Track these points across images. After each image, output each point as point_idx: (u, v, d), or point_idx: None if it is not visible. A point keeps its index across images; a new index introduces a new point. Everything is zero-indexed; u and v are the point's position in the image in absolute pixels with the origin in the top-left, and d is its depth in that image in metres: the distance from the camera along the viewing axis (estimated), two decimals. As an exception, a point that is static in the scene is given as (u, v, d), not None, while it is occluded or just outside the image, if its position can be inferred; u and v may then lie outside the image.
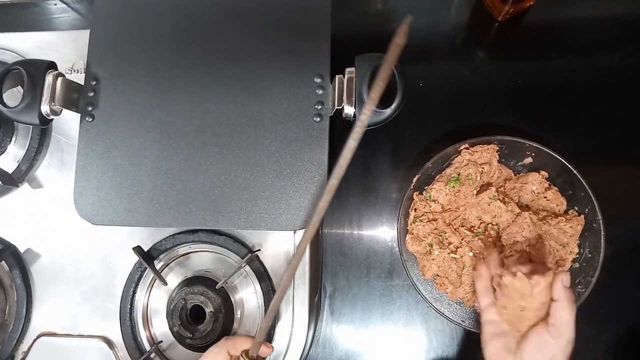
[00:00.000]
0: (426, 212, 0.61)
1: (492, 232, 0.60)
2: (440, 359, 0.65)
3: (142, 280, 0.63)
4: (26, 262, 0.65)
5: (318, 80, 0.53)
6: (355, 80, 0.49)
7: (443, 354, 0.65)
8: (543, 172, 0.60)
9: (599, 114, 0.66)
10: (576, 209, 0.59)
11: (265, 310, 0.60)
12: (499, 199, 0.59)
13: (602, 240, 0.55)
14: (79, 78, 0.58)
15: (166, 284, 0.63)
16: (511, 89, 0.68)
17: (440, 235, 0.60)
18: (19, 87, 0.53)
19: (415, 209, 0.61)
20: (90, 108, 0.55)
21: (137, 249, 0.60)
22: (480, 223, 0.61)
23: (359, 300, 0.67)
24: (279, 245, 0.62)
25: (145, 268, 0.62)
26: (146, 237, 0.63)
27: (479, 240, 0.59)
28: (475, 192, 0.60)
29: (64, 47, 0.68)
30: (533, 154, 0.60)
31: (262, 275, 0.60)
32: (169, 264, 0.64)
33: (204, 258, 0.64)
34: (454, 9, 0.71)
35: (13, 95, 0.54)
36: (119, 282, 0.63)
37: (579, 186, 0.57)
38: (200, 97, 0.54)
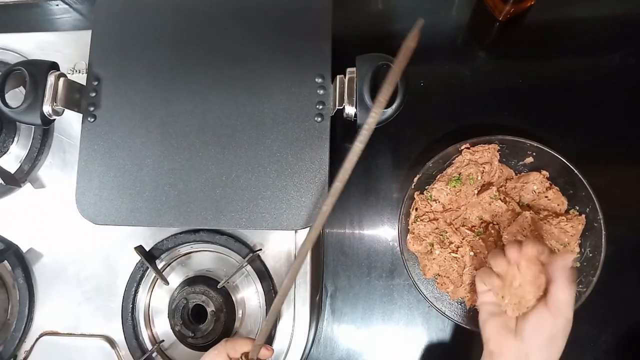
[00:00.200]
0: (427, 212, 0.61)
1: (493, 231, 0.60)
2: (441, 358, 0.65)
3: (143, 279, 0.63)
4: (28, 262, 0.66)
5: (319, 80, 0.53)
6: (356, 80, 0.49)
7: (444, 353, 0.65)
8: (544, 172, 0.60)
9: (599, 114, 0.66)
10: (577, 208, 0.59)
11: (267, 310, 0.60)
12: (499, 199, 0.59)
13: (603, 240, 0.55)
14: (81, 78, 0.58)
15: (168, 284, 0.63)
16: (512, 89, 0.68)
17: (441, 235, 0.60)
18: (21, 88, 0.54)
19: (416, 209, 0.61)
20: (92, 108, 0.55)
21: (139, 249, 0.61)
22: (481, 223, 0.61)
23: (360, 299, 0.67)
24: (280, 244, 0.62)
25: (147, 268, 0.62)
26: (148, 237, 0.63)
27: (480, 240, 0.59)
28: (476, 191, 0.61)
29: (65, 48, 0.68)
30: (534, 154, 0.60)
31: (264, 274, 0.61)
32: (170, 264, 0.65)
33: (205, 258, 0.64)
34: (455, 8, 0.71)
35: (15, 96, 0.54)
36: (121, 281, 0.63)
37: (579, 186, 0.57)
38: (201, 97, 0.55)
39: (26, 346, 0.64)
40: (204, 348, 0.59)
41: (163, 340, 0.63)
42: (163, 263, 0.64)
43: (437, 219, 0.61)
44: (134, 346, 0.61)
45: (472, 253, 0.59)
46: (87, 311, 0.64)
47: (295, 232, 0.61)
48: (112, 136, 0.55)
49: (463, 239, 0.60)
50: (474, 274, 0.59)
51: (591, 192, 0.56)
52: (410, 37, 0.37)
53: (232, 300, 0.61)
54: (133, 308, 0.63)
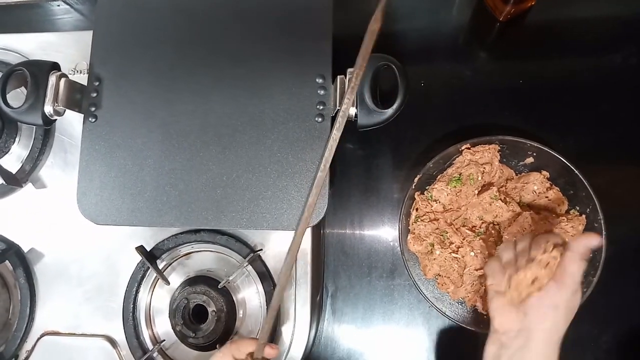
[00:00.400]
0: (427, 212, 0.61)
1: (493, 231, 0.60)
2: (441, 358, 0.65)
3: (144, 279, 0.63)
4: (30, 262, 0.66)
5: (320, 80, 0.53)
6: (357, 80, 0.49)
7: (444, 353, 0.65)
8: (544, 172, 0.60)
9: (600, 114, 0.66)
10: (577, 208, 0.59)
11: (268, 310, 0.60)
12: (500, 199, 0.59)
13: (603, 240, 0.55)
14: (82, 79, 0.58)
15: (169, 284, 0.63)
16: (512, 89, 0.68)
17: (442, 235, 0.60)
18: (23, 88, 0.54)
19: (417, 209, 0.61)
20: (93, 108, 0.56)
21: (140, 249, 0.61)
22: (482, 223, 0.61)
23: (360, 299, 0.67)
24: (280, 244, 0.62)
25: (148, 268, 0.62)
26: (149, 237, 0.64)
27: (481, 240, 0.59)
28: (476, 191, 0.61)
29: (67, 48, 0.68)
30: (534, 154, 0.60)
31: (264, 274, 0.61)
32: (171, 264, 0.65)
33: (206, 258, 0.64)
34: (456, 9, 0.71)
35: (17, 96, 0.55)
36: (122, 281, 0.63)
37: (580, 186, 0.57)
38: (202, 98, 0.55)
39: (27, 346, 0.64)
40: (205, 348, 0.59)
41: (164, 340, 0.63)
42: (164, 263, 0.64)
43: (438, 219, 0.61)
44: (135, 346, 0.62)
45: (472, 253, 0.59)
46: (88, 311, 0.64)
47: (294, 231, 0.61)
48: (113, 136, 0.55)
49: (463, 239, 0.60)
50: (474, 274, 0.59)
51: (591, 193, 0.56)
52: (373, 20, 0.37)
53: (233, 300, 0.61)
54: (134, 308, 0.63)
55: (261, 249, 0.62)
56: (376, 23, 0.37)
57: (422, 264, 0.61)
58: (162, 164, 0.54)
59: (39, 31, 0.70)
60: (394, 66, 0.48)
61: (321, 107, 0.53)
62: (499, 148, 0.60)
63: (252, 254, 0.60)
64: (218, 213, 0.53)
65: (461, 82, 0.69)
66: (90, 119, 0.55)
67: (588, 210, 0.57)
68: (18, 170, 0.66)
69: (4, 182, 0.63)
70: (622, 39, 0.67)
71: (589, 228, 0.57)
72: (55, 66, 0.54)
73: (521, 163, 0.62)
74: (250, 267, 0.61)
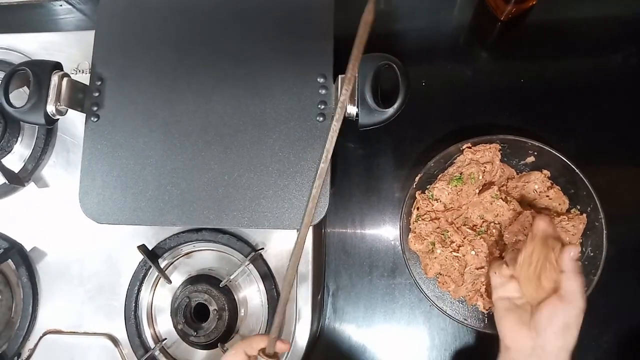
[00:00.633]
0: (428, 211, 0.61)
1: (494, 230, 0.60)
2: (442, 357, 0.65)
3: (146, 278, 0.64)
4: (32, 261, 0.66)
5: (321, 80, 0.53)
6: (358, 79, 0.49)
7: (445, 352, 0.65)
8: (545, 171, 0.60)
9: (601, 114, 0.66)
10: (578, 208, 0.59)
11: (269, 308, 0.61)
12: (501, 198, 0.59)
13: (604, 240, 0.55)
14: (84, 78, 0.58)
15: (170, 282, 0.64)
16: (513, 89, 0.68)
17: (443, 234, 0.60)
18: (25, 88, 0.54)
19: (418, 208, 0.61)
20: (95, 108, 0.56)
21: (142, 248, 0.61)
22: (483, 222, 0.61)
23: (361, 298, 0.67)
24: (282, 244, 0.62)
25: (150, 266, 0.62)
26: (151, 236, 0.64)
27: (481, 239, 0.59)
28: (477, 191, 0.61)
29: (69, 48, 0.68)
30: (535, 153, 0.60)
31: (266, 273, 0.61)
32: (173, 263, 0.65)
33: (207, 256, 0.65)
34: (457, 8, 0.71)
35: (19, 96, 0.55)
36: (124, 280, 0.64)
37: (581, 185, 0.57)
38: (204, 97, 0.55)
39: (30, 344, 0.64)
40: (207, 346, 0.59)
41: (166, 339, 0.63)
42: (166, 262, 0.64)
43: (439, 218, 0.61)
44: (137, 344, 0.62)
45: (473, 252, 0.59)
46: (90, 310, 0.64)
47: (297, 231, 0.61)
48: (115, 136, 0.55)
49: (464, 238, 0.60)
50: (475, 273, 0.59)
51: (592, 192, 0.56)
52: (366, 11, 0.38)
53: (235, 299, 0.62)
54: (136, 307, 0.63)
55: (262, 248, 0.62)
56: (369, 14, 0.38)
57: (423, 263, 0.61)
58: (164, 163, 0.54)
59: (41, 31, 0.70)
60: (395, 65, 0.48)
61: (322, 107, 0.53)
62: (500, 147, 0.60)
63: (253, 253, 0.60)
64: (219, 212, 0.53)
65: (462, 81, 0.69)
66: (92, 119, 0.56)
67: (589, 209, 0.57)
68: (20, 170, 0.66)
69: (7, 181, 0.63)
70: (623, 39, 0.67)
71: (589, 227, 0.57)
72: (57, 66, 0.54)
73: (522, 162, 0.62)
74: (251, 266, 0.61)
